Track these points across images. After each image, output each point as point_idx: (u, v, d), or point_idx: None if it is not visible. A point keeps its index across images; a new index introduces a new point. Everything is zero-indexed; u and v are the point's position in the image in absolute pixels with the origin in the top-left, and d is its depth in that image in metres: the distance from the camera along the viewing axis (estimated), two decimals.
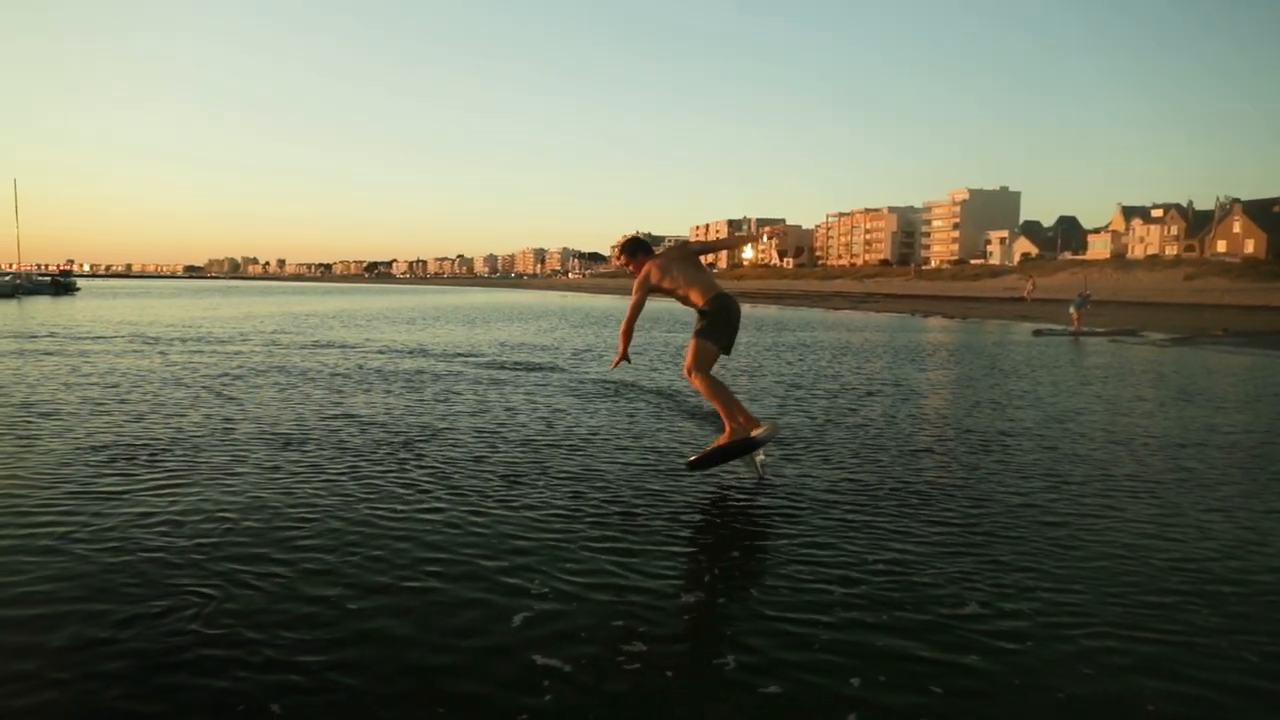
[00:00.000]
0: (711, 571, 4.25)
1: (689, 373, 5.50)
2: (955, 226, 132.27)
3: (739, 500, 5.52)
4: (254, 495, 5.39)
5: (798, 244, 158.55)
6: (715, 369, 5.67)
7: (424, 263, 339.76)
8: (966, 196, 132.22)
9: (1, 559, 4.15)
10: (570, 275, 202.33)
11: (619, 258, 5.75)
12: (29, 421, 8.03)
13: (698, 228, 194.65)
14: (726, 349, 5.56)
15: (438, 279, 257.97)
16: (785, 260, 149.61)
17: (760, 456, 5.86)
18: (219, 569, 4.05)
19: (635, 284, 5.61)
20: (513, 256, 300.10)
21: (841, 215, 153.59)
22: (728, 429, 5.58)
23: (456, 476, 5.99)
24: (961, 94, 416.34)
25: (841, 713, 2.86)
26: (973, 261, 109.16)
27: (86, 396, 9.82)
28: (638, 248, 5.69)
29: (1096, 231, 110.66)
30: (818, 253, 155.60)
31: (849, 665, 3.18)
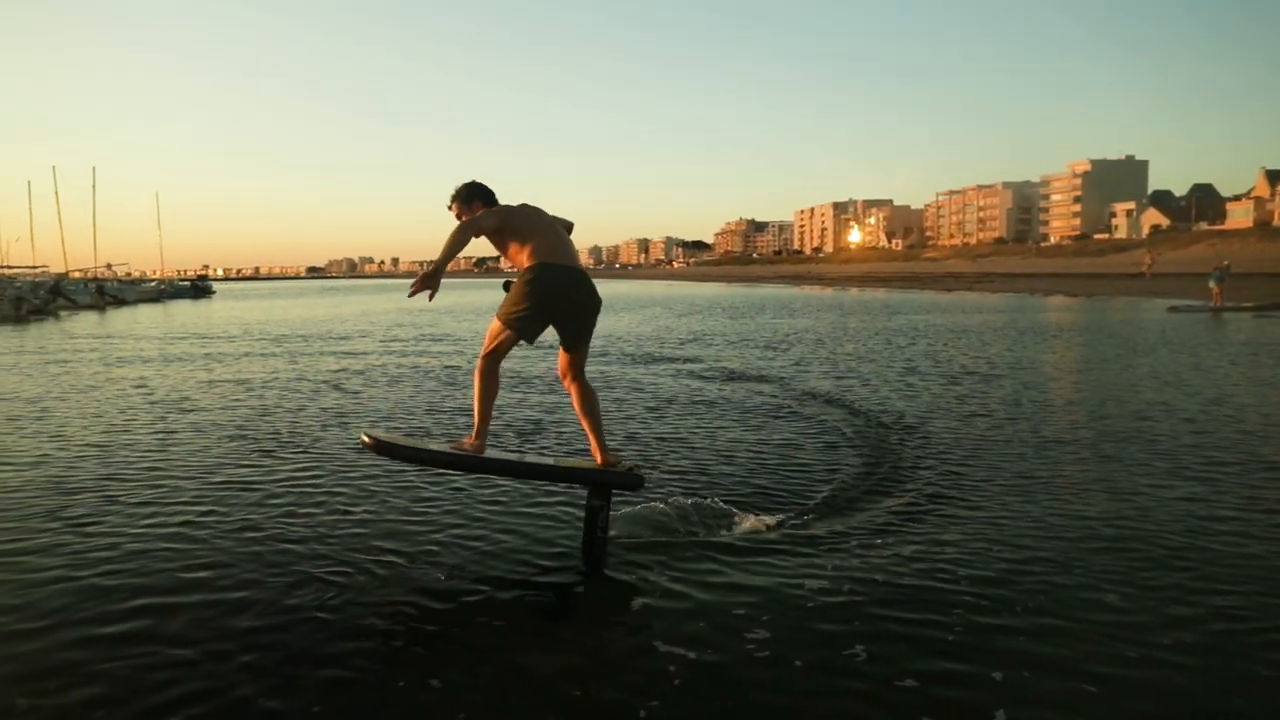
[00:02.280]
0: (828, 571, 4.08)
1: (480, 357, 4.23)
2: (1076, 200, 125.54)
3: (849, 491, 5.31)
4: (367, 487, 5.50)
5: (906, 224, 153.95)
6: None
7: None
8: (1088, 167, 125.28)
9: (137, 545, 4.35)
10: (674, 264, 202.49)
11: (452, 205, 4.36)
12: (168, 416, 8.48)
13: (803, 211, 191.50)
14: (529, 335, 4.11)
15: None
16: (894, 242, 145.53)
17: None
18: (339, 555, 4.13)
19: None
20: (616, 247, 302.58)
21: (952, 193, 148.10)
22: (474, 435, 4.19)
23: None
24: (1076, 58, 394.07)
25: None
26: (1096, 236, 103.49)
27: (222, 393, 10.34)
28: (476, 193, 4.37)
29: (1237, 199, 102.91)
30: (928, 233, 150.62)
31: (988, 675, 2.96)
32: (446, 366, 13.01)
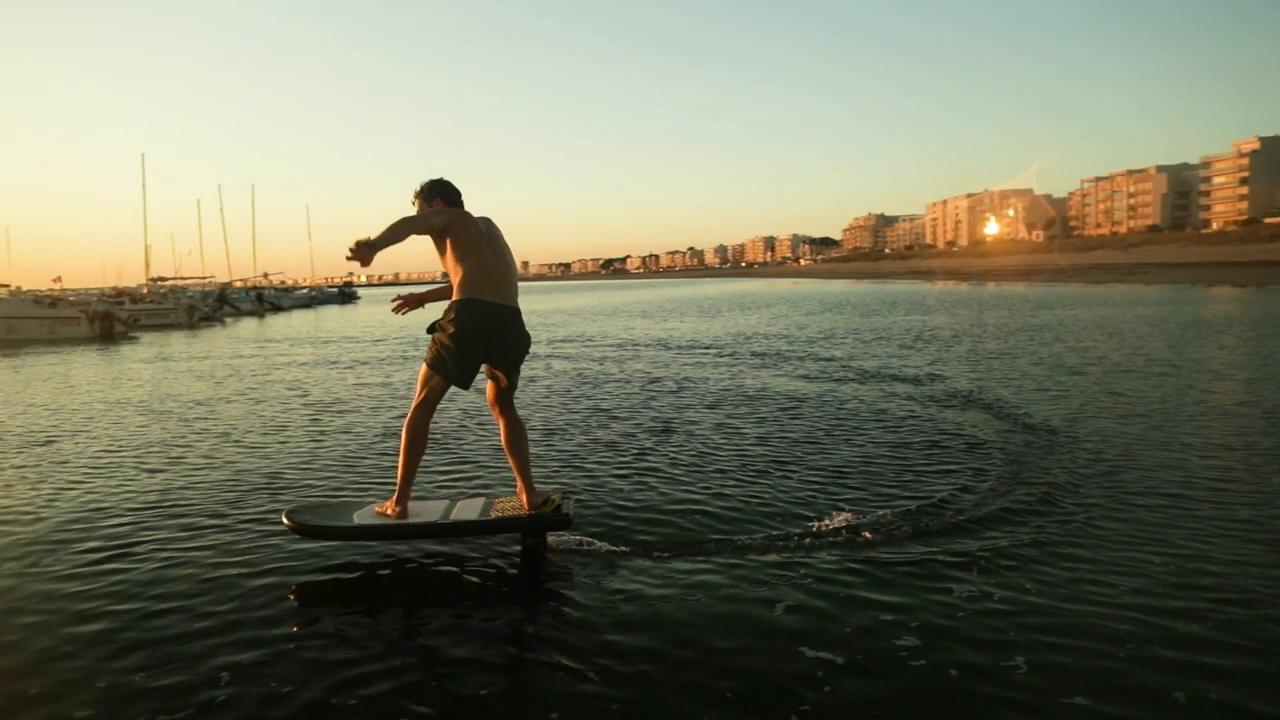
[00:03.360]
0: (969, 587, 3.91)
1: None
2: (1243, 182, 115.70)
3: (990, 497, 5.08)
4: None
5: (1047, 214, 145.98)
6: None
7: (656, 257, 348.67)
8: (1257, 146, 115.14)
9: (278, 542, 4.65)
10: (801, 262, 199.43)
11: (415, 200, 4.11)
12: (321, 417, 9.01)
13: (934, 204, 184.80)
14: (462, 381, 3.94)
15: (670, 272, 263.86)
16: (1034, 233, 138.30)
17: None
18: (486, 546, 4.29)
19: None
20: (742, 246, 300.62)
21: (1099, 180, 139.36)
22: (395, 500, 4.10)
23: (709, 466, 5.99)
24: (1236, 26, 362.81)
25: None
26: (1267, 220, 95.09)
27: (370, 394, 10.91)
28: (438, 190, 4.11)
29: None
30: (1072, 222, 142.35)
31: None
32: (577, 367, 13.25)
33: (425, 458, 4.41)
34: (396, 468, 4.08)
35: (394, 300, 4.29)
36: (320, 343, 21.72)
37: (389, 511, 4.08)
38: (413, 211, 4.06)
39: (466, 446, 7.07)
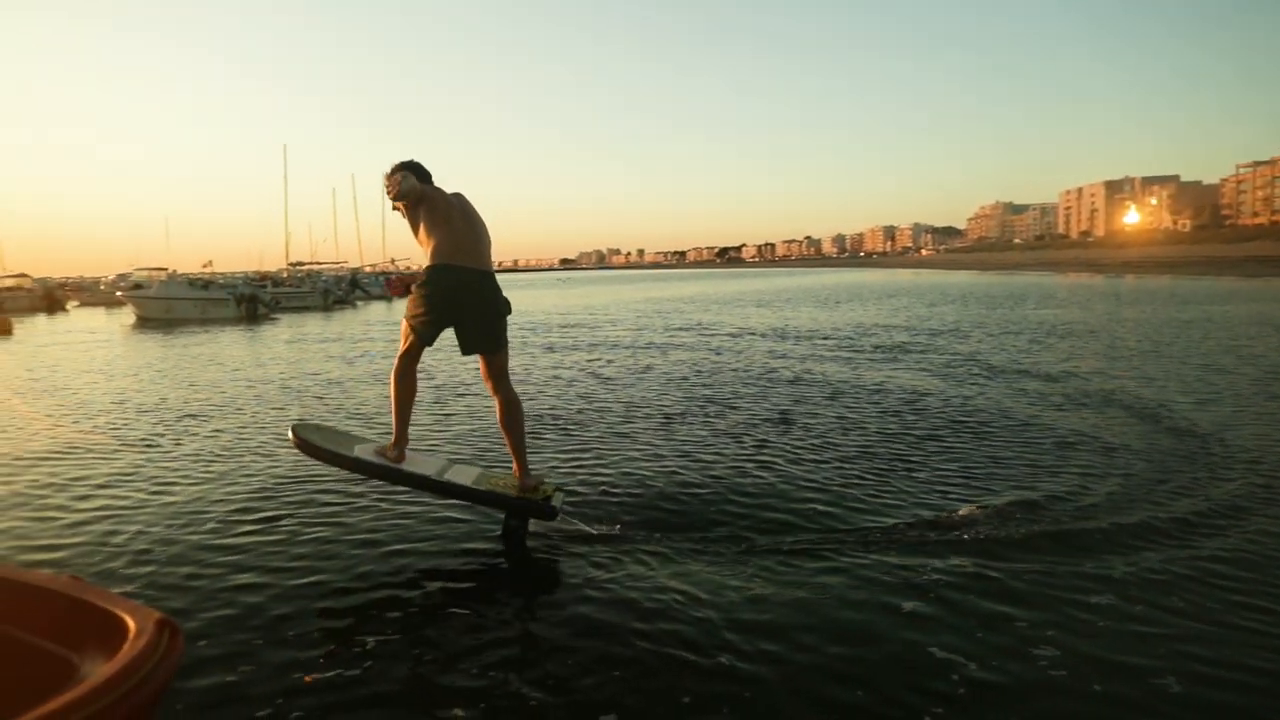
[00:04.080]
0: (1126, 610, 3.71)
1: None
2: None
3: (1129, 505, 4.80)
4: (628, 461, 5.75)
5: (1196, 202, 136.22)
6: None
7: (772, 246, 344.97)
8: None
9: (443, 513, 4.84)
10: (922, 252, 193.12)
11: (387, 179, 4.07)
12: (445, 400, 9.35)
13: (1069, 192, 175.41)
14: (427, 338, 4.11)
15: (786, 262, 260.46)
16: (1179, 222, 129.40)
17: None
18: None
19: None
20: (861, 235, 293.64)
21: (1258, 165, 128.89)
22: (394, 442, 4.27)
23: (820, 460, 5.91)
24: None
25: None
26: None
27: None
28: (407, 167, 4.16)
29: None
30: (1225, 211, 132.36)
31: None
32: (693, 356, 13.26)
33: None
34: (391, 415, 4.23)
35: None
36: None
37: (388, 454, 4.21)
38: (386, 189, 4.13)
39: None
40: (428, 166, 4.28)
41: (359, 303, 42.61)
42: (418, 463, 4.34)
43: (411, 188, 3.95)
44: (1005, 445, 6.35)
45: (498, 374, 4.26)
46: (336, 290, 41.27)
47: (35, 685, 1.86)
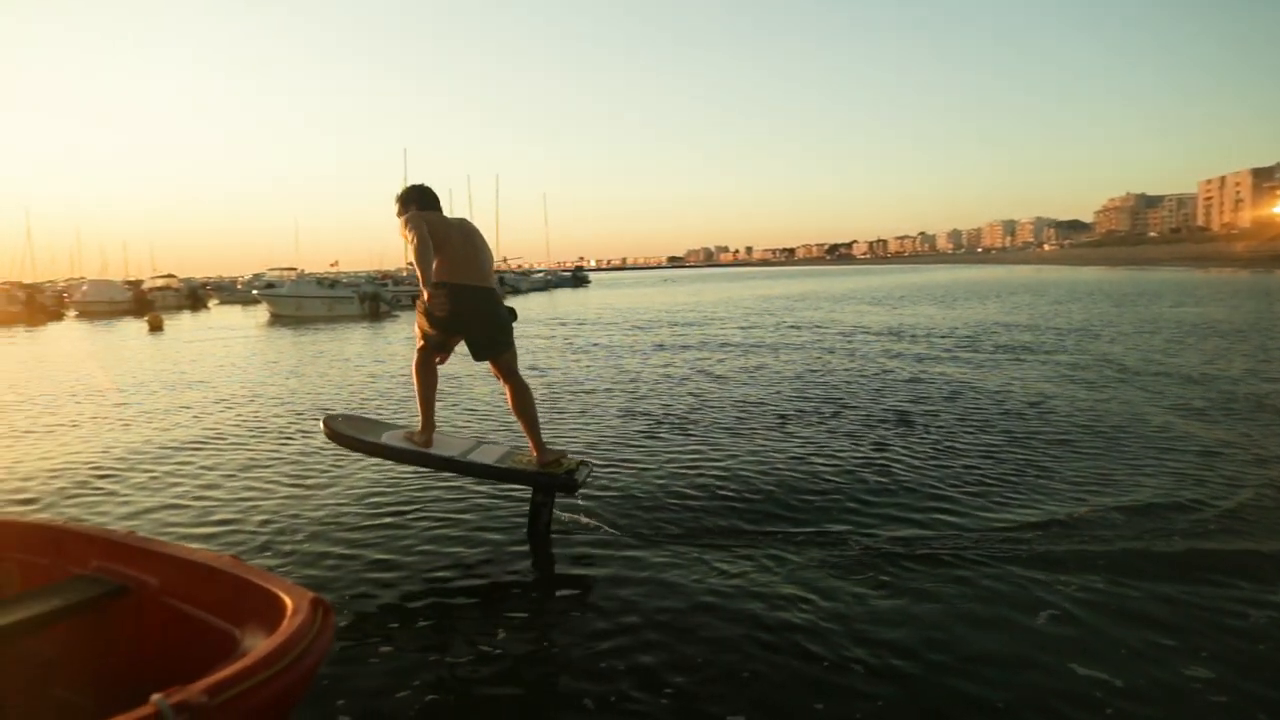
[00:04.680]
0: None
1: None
2: None
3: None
4: (732, 455, 5.70)
5: None
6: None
7: (884, 242, 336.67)
8: None
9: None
10: (1045, 247, 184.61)
11: (397, 203, 4.46)
12: (560, 398, 9.50)
13: (1209, 182, 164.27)
14: (439, 349, 4.42)
15: (898, 258, 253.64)
16: None
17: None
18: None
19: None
20: (978, 230, 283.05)
21: None
22: (421, 428, 4.50)
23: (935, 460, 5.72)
24: None
25: None
26: None
27: (603, 377, 11.37)
28: (412, 197, 4.46)
29: None
30: None
31: None
32: (806, 355, 13.05)
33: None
34: (417, 404, 4.48)
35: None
36: (557, 324, 22.88)
37: (414, 439, 4.42)
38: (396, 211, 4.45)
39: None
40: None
41: None
42: (444, 445, 4.50)
43: (425, 235, 4.14)
44: (1142, 452, 5.98)
45: (506, 370, 4.45)
46: None
47: (201, 655, 1.99)
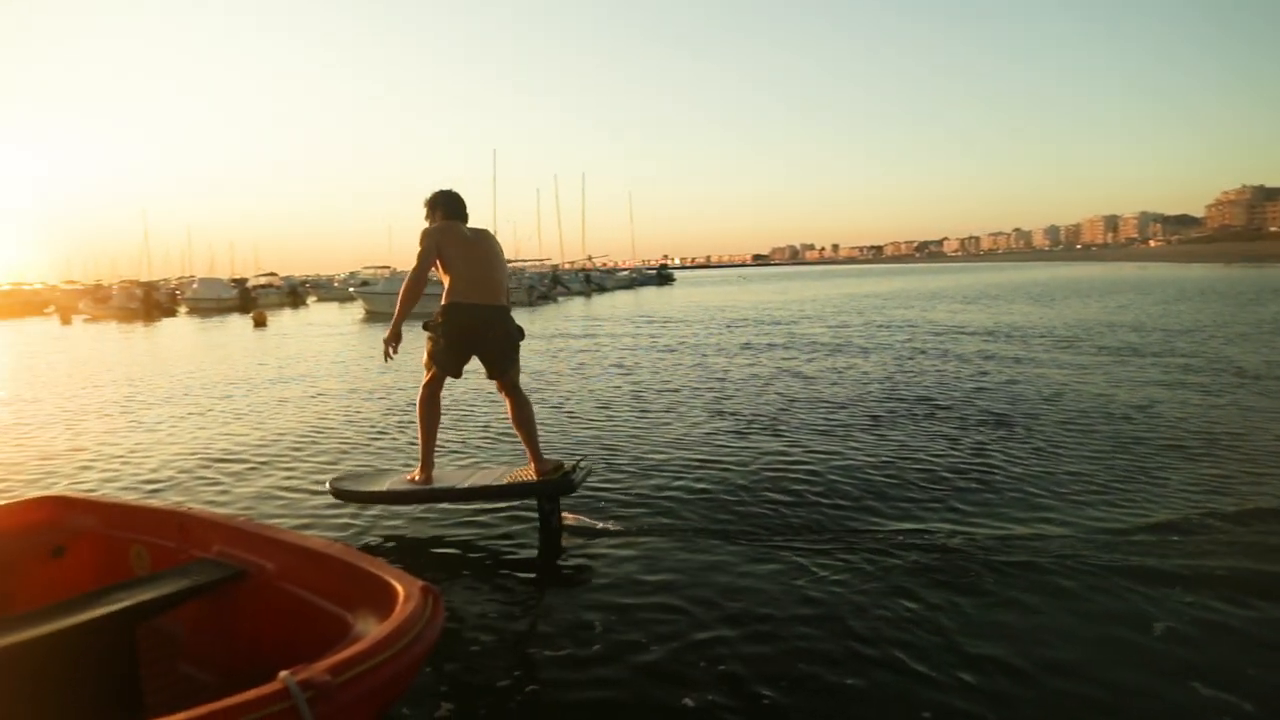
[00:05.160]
0: None
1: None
2: None
3: None
4: (808, 452, 5.62)
5: None
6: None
7: (976, 239, 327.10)
8: None
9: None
10: (1150, 243, 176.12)
11: (425, 207, 4.54)
12: (645, 395, 9.53)
13: None
14: (452, 371, 4.45)
15: (992, 256, 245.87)
16: None
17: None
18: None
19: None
20: (1077, 226, 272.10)
21: None
22: (419, 469, 4.61)
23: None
24: None
25: None
26: None
27: (689, 376, 11.37)
28: (439, 203, 4.49)
29: None
30: None
31: None
32: (897, 354, 12.77)
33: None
34: (419, 442, 4.59)
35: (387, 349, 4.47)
36: (642, 322, 22.98)
37: (415, 478, 4.52)
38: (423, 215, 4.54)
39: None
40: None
41: (560, 299, 44.41)
42: (445, 478, 4.63)
43: (431, 256, 4.29)
44: (1265, 460, 5.64)
45: (509, 385, 4.51)
46: (540, 286, 43.24)
47: (314, 638, 2.07)
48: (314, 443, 7.23)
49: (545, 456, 4.56)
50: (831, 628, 3.29)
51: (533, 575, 4.05)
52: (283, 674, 1.57)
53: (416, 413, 4.61)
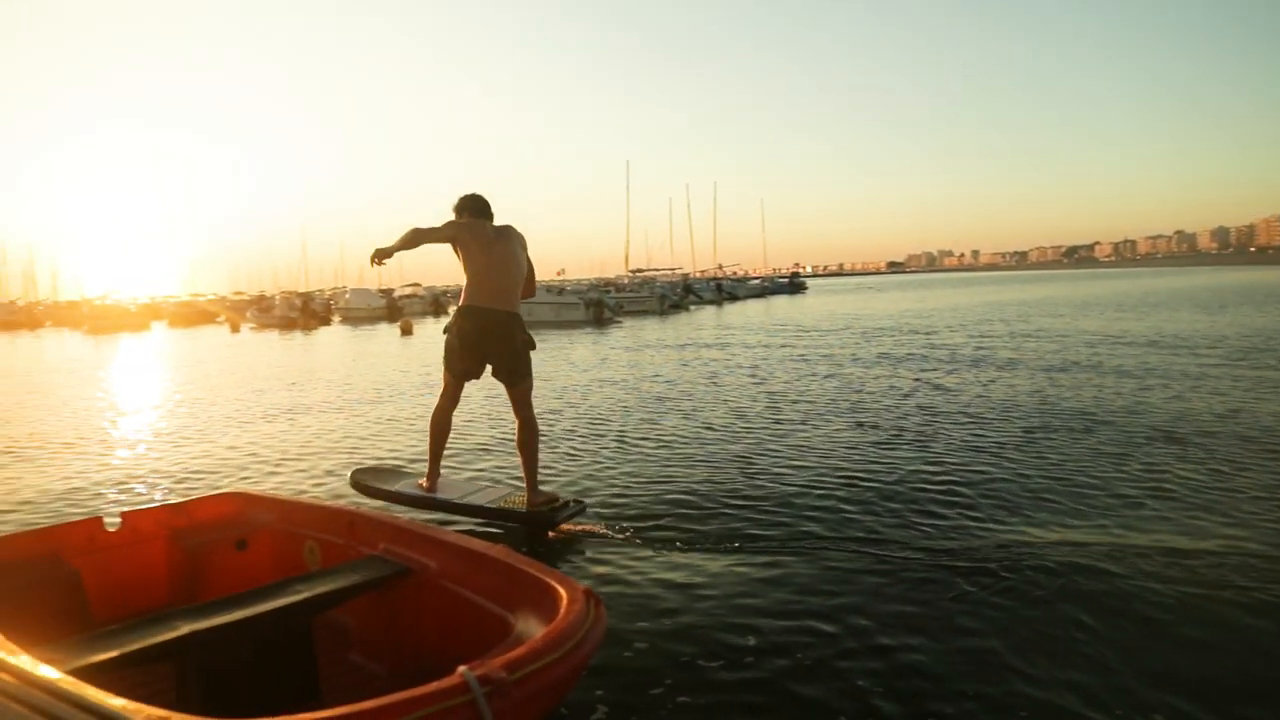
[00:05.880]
0: None
1: None
2: None
3: None
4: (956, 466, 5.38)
5: None
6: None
7: (1132, 243, 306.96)
8: None
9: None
10: None
11: (454, 210, 4.71)
12: (780, 406, 9.42)
13: None
14: (463, 374, 4.66)
15: (1150, 260, 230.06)
16: None
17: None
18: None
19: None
20: (1250, 227, 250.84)
21: None
22: (426, 478, 4.93)
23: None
24: None
25: None
26: None
27: (825, 387, 11.17)
28: (467, 205, 4.66)
29: None
30: None
31: None
32: (1047, 365, 12.11)
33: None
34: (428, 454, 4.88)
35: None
36: (775, 330, 22.74)
37: (422, 485, 4.83)
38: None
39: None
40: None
41: (692, 307, 44.53)
42: (446, 489, 4.95)
43: (443, 236, 4.46)
44: None
45: (519, 401, 4.64)
46: (672, 295, 43.49)
47: (477, 636, 2.14)
48: (451, 453, 7.47)
49: (541, 489, 4.73)
50: (989, 659, 3.14)
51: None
52: (461, 669, 1.62)
53: (429, 426, 4.90)
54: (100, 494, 6.15)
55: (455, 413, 4.91)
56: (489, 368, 4.69)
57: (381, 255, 4.39)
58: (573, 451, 7.11)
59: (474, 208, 4.69)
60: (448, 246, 4.58)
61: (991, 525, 4.64)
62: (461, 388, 4.78)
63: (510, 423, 5.17)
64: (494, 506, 4.73)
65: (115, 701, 1.50)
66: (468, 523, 4.82)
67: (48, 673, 1.65)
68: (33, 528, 3.38)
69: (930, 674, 2.98)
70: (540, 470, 4.90)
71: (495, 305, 4.49)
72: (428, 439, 4.94)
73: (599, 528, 4.67)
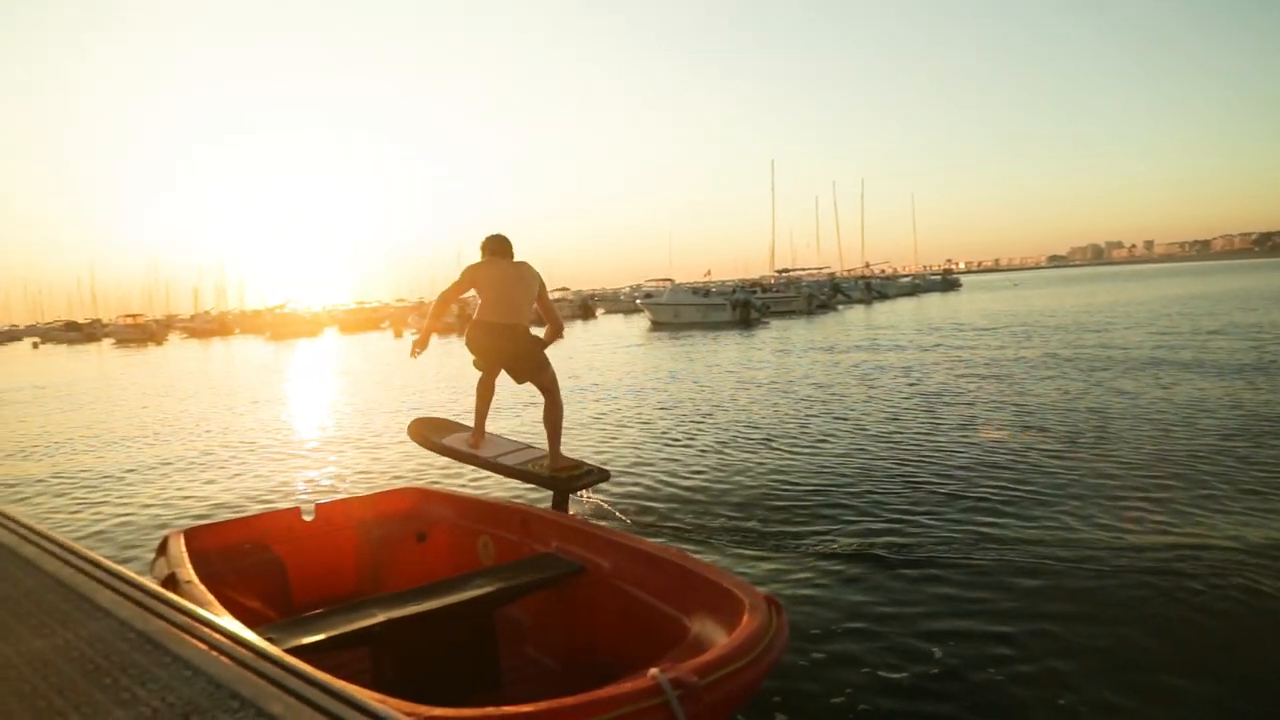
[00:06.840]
0: None
1: None
2: None
3: None
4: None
5: None
6: None
7: None
8: None
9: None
10: None
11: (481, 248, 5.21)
12: (935, 408, 9.09)
13: None
14: (489, 372, 5.09)
15: None
16: None
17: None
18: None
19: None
20: None
21: None
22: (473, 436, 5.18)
23: None
24: None
25: None
26: None
27: (985, 388, 10.69)
28: (485, 246, 5.16)
29: None
30: None
31: None
32: (1239, 368, 11.12)
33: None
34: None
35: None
36: (929, 329, 21.95)
37: (470, 441, 5.18)
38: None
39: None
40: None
41: (840, 307, 43.56)
42: (488, 447, 5.19)
43: (465, 285, 4.99)
44: None
45: (543, 389, 5.05)
46: (819, 295, 42.66)
47: (651, 638, 2.19)
48: (598, 452, 7.63)
49: (566, 456, 5.02)
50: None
51: None
52: (652, 671, 1.66)
53: (478, 393, 5.35)
54: (288, 487, 6.71)
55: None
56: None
57: (421, 346, 5.16)
58: (727, 450, 7.13)
59: (491, 247, 5.29)
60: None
61: (1201, 533, 4.32)
62: (493, 375, 5.25)
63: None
64: (519, 467, 4.97)
65: (353, 688, 1.61)
66: (521, 487, 5.26)
67: (277, 653, 1.82)
68: (240, 515, 3.71)
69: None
70: (697, 476, 4.93)
71: (499, 319, 5.05)
72: (476, 401, 5.41)
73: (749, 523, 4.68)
